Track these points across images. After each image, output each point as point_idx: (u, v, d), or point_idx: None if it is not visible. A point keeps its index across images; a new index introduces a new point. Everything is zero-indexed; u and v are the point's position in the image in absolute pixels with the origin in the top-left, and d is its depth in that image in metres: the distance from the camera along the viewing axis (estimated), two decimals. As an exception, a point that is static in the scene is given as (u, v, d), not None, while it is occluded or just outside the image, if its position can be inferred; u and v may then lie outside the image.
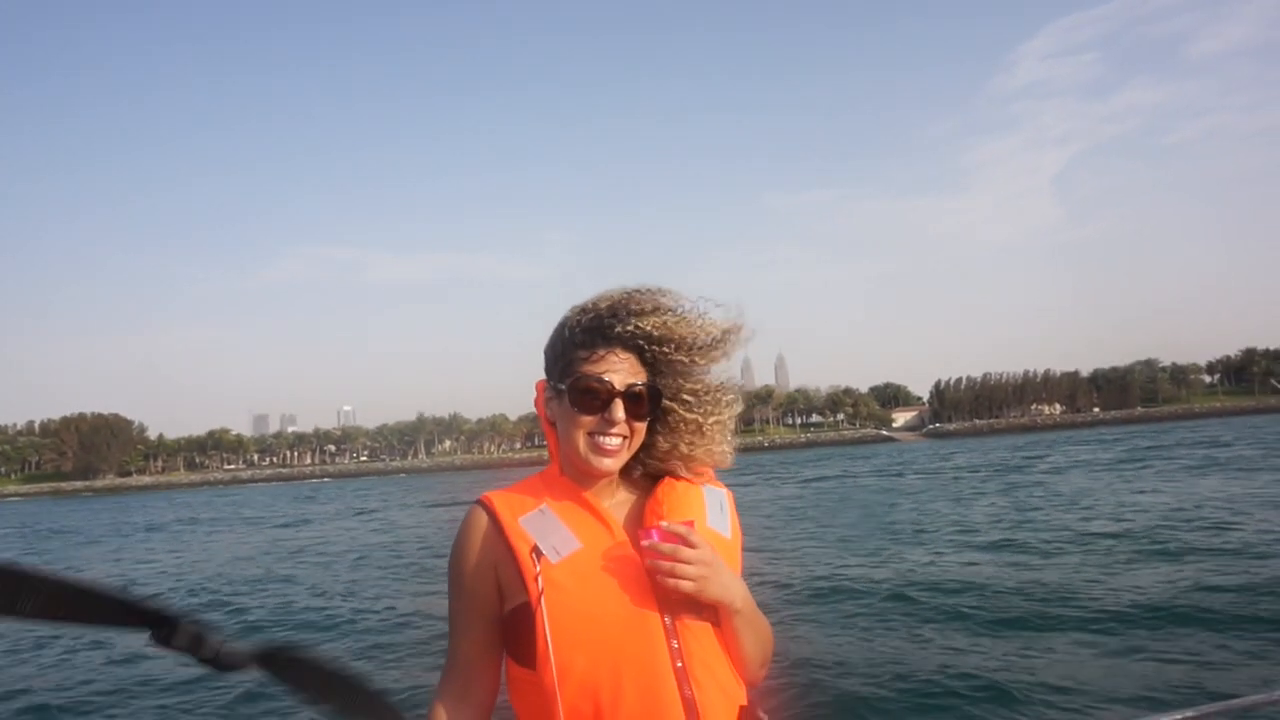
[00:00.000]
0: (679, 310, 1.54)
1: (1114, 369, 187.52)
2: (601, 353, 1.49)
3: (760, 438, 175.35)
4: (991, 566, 14.35)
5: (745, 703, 1.44)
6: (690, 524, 1.42)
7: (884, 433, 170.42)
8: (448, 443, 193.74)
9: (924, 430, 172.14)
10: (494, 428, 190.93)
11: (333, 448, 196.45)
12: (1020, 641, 9.45)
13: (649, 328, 1.49)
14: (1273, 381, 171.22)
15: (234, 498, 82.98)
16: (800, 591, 13.35)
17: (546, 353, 1.57)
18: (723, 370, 1.62)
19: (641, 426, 1.51)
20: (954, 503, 27.01)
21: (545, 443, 1.63)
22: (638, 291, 1.53)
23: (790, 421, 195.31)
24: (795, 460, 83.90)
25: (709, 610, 1.41)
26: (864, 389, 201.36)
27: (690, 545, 1.37)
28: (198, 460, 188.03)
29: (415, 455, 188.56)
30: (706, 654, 1.39)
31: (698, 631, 1.40)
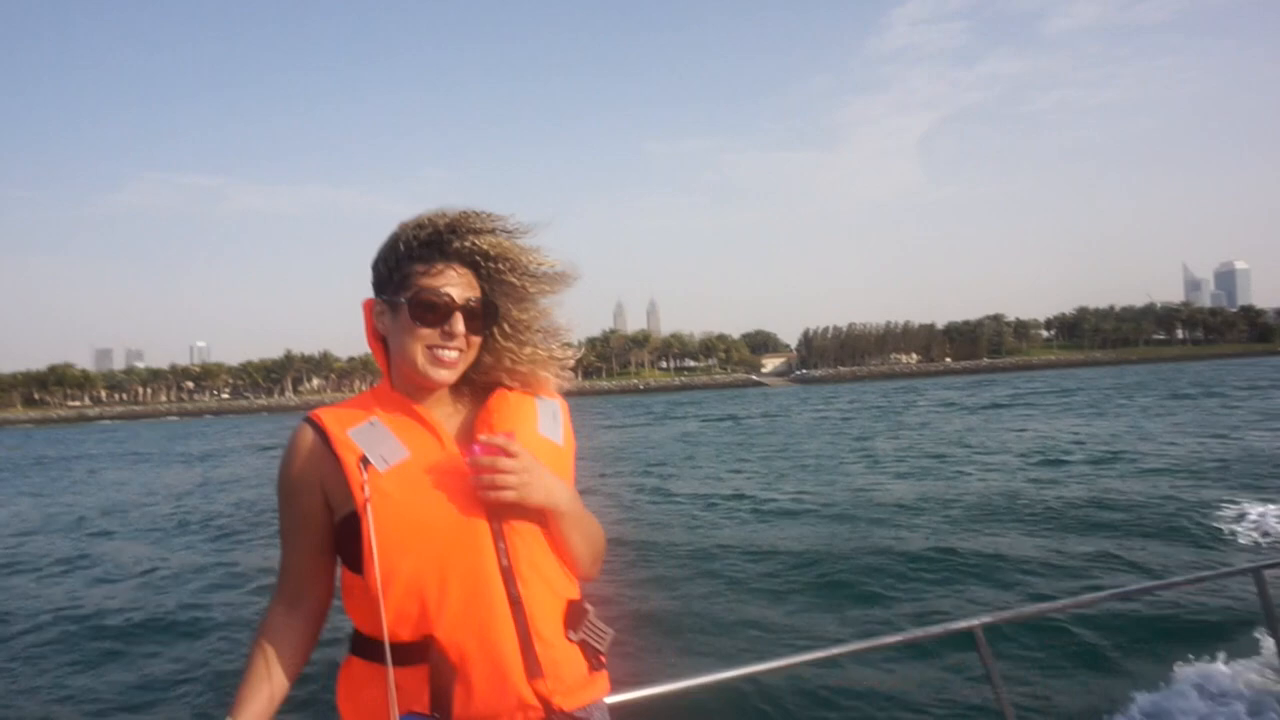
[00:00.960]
0: (516, 234, 1.58)
1: (965, 322, 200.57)
2: (440, 267, 1.50)
3: (636, 380, 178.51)
4: (910, 487, 16.44)
5: (575, 598, 1.50)
6: (510, 434, 1.45)
7: (754, 378, 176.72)
8: (316, 381, 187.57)
9: (792, 376, 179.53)
10: (366, 366, 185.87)
11: (191, 385, 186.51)
12: (937, 532, 11.26)
13: (486, 246, 1.52)
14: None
15: (102, 435, 78.60)
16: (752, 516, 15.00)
17: (377, 266, 1.55)
18: (559, 314, 1.65)
19: (478, 341, 1.55)
20: (854, 439, 29.57)
21: None
22: (475, 211, 1.55)
23: (665, 365, 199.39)
24: (680, 401, 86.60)
25: (536, 513, 1.46)
26: (736, 335, 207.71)
27: (510, 455, 1.40)
28: (37, 397, 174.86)
29: (282, 393, 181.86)
30: (533, 554, 1.45)
31: (524, 533, 1.44)
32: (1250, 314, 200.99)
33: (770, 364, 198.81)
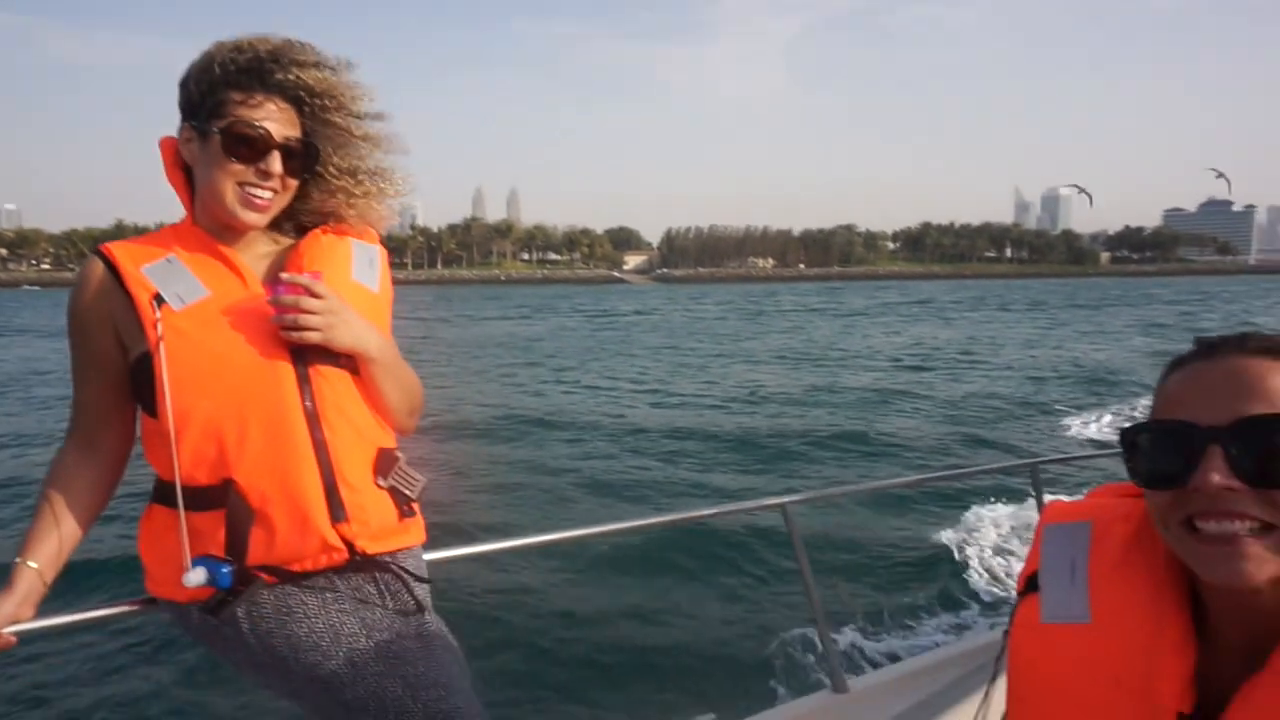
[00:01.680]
0: (342, 71, 1.48)
1: (820, 230, 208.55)
2: (259, 98, 1.39)
3: (498, 271, 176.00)
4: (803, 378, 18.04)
5: (386, 446, 1.45)
6: (317, 274, 1.38)
7: (617, 274, 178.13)
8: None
9: (653, 275, 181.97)
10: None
11: (4, 252, 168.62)
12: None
13: (311, 80, 1.42)
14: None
15: None
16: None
17: (186, 85, 1.41)
18: (388, 160, 1.57)
19: (294, 184, 1.45)
20: (733, 340, 31.37)
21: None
22: (301, 41, 1.43)
23: (527, 257, 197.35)
24: (547, 296, 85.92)
25: (346, 359, 1.41)
26: (599, 231, 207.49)
27: (315, 295, 1.35)
28: None
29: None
30: (341, 399, 1.39)
31: (332, 378, 1.39)
32: (1069, 238, 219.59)
33: (632, 261, 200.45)
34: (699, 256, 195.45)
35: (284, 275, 1.37)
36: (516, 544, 2.22)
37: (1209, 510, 0.77)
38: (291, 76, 1.40)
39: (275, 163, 1.39)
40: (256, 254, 1.48)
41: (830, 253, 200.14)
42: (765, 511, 2.71)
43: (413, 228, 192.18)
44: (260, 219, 1.43)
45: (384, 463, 1.43)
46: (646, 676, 5.24)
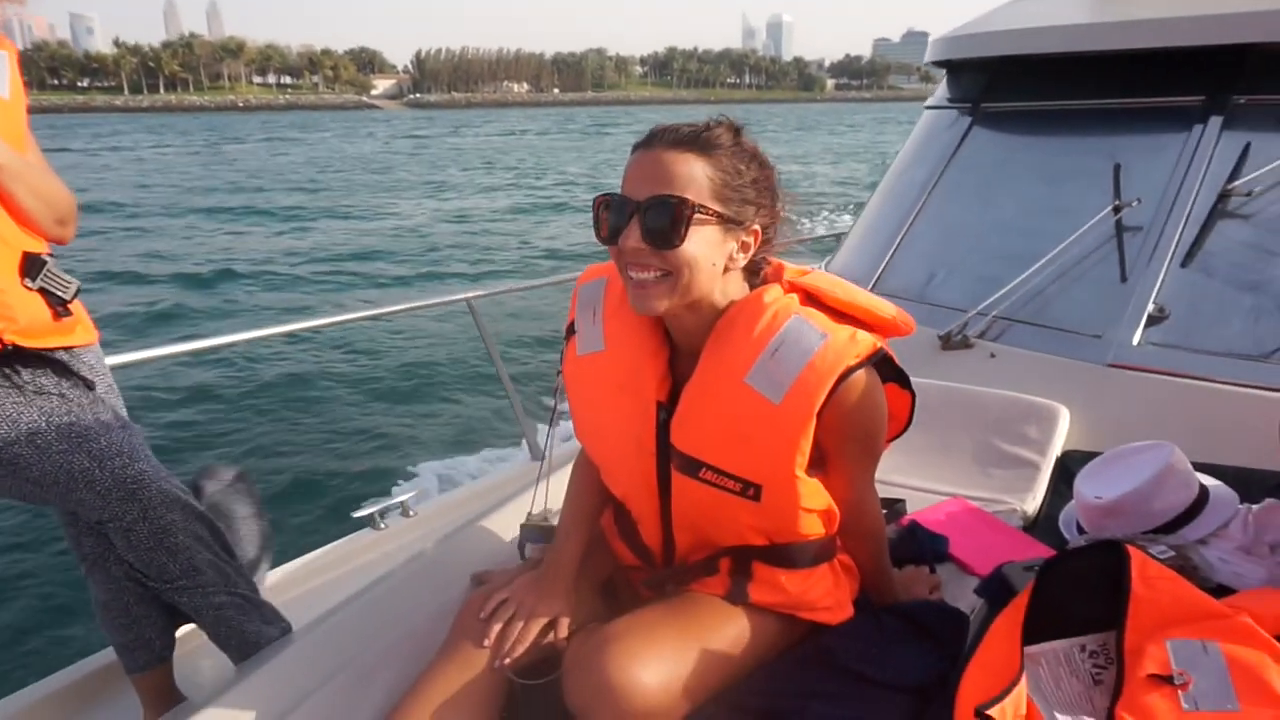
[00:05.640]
0: None
1: (571, 54, 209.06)
2: None
3: (232, 96, 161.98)
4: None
5: (33, 250, 1.44)
6: None
7: (366, 100, 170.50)
8: None
9: (406, 100, 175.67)
10: None
11: None
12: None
13: None
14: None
15: None
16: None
17: None
18: None
19: None
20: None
21: None
22: None
23: (262, 81, 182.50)
24: (297, 124, 79.35)
25: None
26: (340, 51, 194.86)
27: None
28: None
29: None
30: None
31: None
32: (800, 64, 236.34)
33: (381, 85, 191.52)
34: (452, 81, 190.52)
35: None
36: (199, 346, 2.31)
37: (631, 262, 1.05)
38: None
39: None
40: None
41: (583, 77, 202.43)
42: (450, 305, 2.96)
43: (118, 44, 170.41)
44: None
45: (32, 266, 1.43)
46: (370, 440, 5.79)
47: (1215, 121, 2.17)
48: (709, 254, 1.06)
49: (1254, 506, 1.42)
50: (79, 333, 1.52)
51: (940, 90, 3.04)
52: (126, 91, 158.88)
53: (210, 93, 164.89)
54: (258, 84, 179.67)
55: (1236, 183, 2.05)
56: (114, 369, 1.65)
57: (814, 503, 1.15)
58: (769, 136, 49.49)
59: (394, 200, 21.55)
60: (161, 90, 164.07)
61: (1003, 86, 2.71)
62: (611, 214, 1.07)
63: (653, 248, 1.04)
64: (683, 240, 1.03)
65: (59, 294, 1.47)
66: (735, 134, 1.09)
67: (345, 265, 13.02)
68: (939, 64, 2.98)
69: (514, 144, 46.19)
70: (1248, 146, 2.08)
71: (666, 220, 1.03)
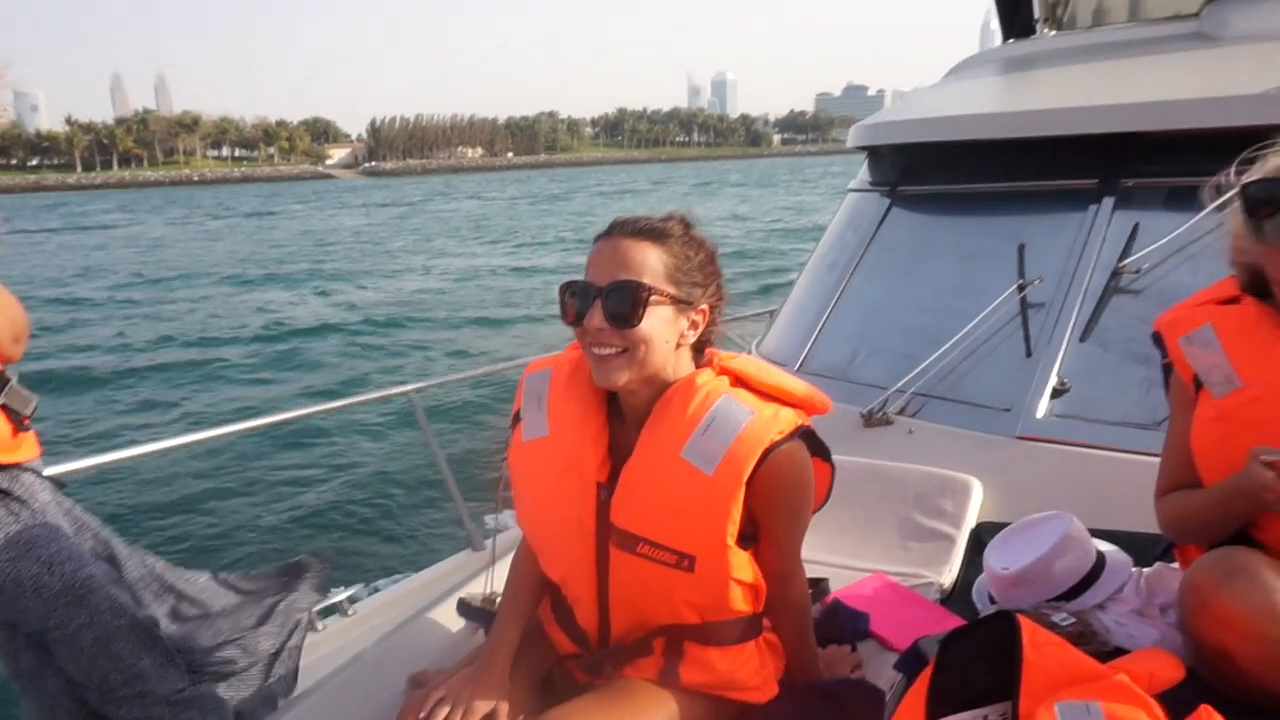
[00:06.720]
0: None
1: (524, 118, 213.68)
2: None
3: (187, 170, 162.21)
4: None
5: None
6: None
7: (321, 169, 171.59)
8: None
9: (361, 169, 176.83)
10: None
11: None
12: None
13: None
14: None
15: None
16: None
17: None
18: None
19: None
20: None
21: None
22: None
23: (217, 154, 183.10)
24: (258, 194, 78.87)
25: None
26: (294, 122, 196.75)
27: None
28: None
29: None
30: None
31: None
32: (746, 121, 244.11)
33: (336, 154, 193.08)
34: (407, 148, 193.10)
35: None
36: (141, 451, 2.27)
37: (595, 341, 1.16)
38: None
39: None
40: None
41: (536, 140, 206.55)
42: (390, 400, 2.94)
43: (70, 122, 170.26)
44: None
45: None
46: (307, 540, 5.57)
47: (1108, 202, 2.27)
48: (663, 331, 1.18)
49: (1146, 570, 1.50)
50: (28, 446, 1.57)
51: (862, 173, 3.14)
52: (79, 169, 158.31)
53: (164, 167, 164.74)
54: (212, 157, 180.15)
55: (1127, 260, 2.14)
56: (52, 477, 1.65)
57: (744, 574, 1.23)
58: (730, 193, 51.15)
59: (401, 271, 22.42)
60: (115, 166, 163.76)
61: (918, 170, 2.83)
62: (577, 299, 1.20)
63: (614, 327, 1.16)
64: (640, 320, 1.15)
65: (19, 409, 1.52)
66: (685, 226, 1.24)
67: (398, 334, 13.83)
68: (860, 149, 3.09)
69: (497, 209, 47.50)
70: (1137, 226, 2.19)
71: (626, 303, 1.15)
